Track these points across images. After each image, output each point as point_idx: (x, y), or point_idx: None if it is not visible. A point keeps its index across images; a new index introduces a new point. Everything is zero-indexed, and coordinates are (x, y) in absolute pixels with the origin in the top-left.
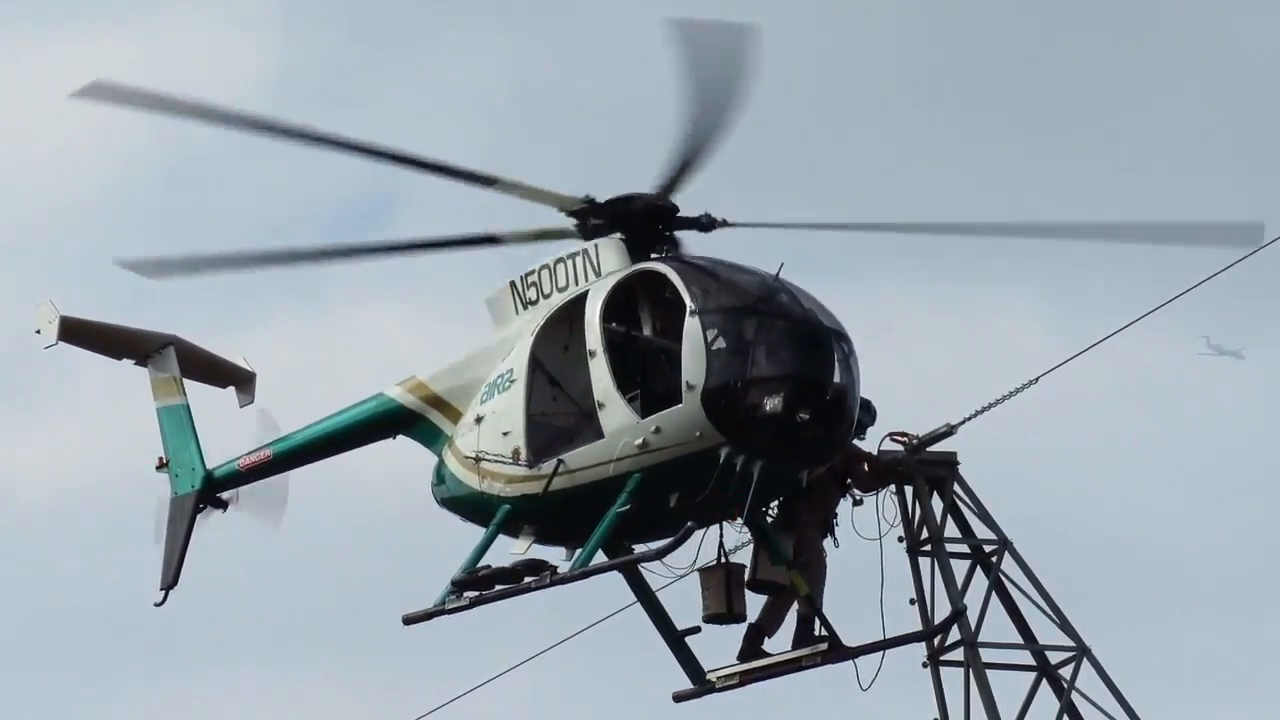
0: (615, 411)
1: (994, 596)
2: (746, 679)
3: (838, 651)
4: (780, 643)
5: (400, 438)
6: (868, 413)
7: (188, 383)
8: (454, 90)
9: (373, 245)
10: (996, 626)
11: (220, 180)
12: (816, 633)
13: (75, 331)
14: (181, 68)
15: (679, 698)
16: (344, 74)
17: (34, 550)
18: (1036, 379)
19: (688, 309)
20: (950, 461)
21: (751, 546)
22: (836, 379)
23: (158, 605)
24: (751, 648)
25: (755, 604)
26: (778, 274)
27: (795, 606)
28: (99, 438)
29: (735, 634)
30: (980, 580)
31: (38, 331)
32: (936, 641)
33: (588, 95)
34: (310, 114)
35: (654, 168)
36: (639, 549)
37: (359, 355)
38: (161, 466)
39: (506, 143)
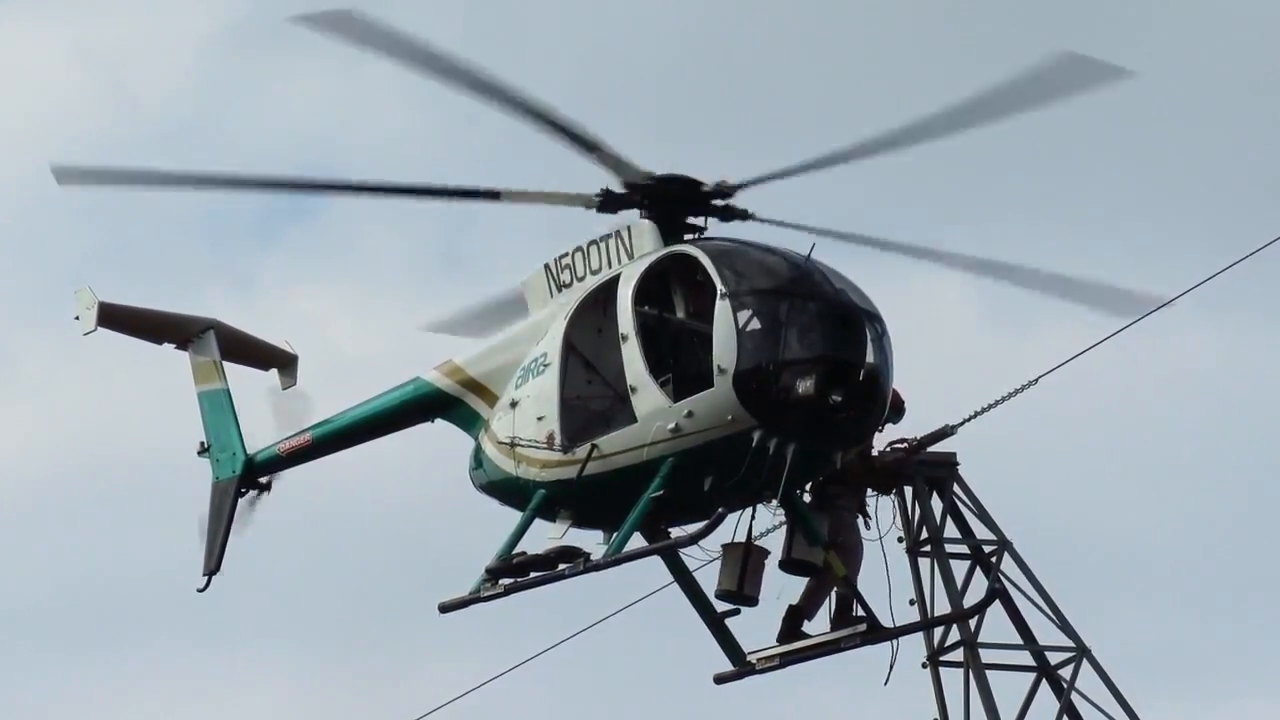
0: (647, 396)
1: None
2: (787, 660)
3: (876, 633)
4: (818, 626)
5: (438, 421)
6: (896, 411)
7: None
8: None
9: (369, 184)
10: (996, 627)
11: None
12: (855, 614)
13: (114, 317)
14: (118, 39)
15: (720, 679)
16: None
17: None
18: (1037, 379)
19: (718, 292)
20: (950, 462)
21: (786, 528)
22: (869, 360)
23: (200, 591)
24: (791, 630)
25: (783, 588)
26: (809, 255)
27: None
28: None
29: (775, 617)
30: (980, 580)
31: (76, 318)
32: (936, 642)
33: (541, 51)
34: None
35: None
36: (675, 532)
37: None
38: (203, 452)
39: (460, 101)
